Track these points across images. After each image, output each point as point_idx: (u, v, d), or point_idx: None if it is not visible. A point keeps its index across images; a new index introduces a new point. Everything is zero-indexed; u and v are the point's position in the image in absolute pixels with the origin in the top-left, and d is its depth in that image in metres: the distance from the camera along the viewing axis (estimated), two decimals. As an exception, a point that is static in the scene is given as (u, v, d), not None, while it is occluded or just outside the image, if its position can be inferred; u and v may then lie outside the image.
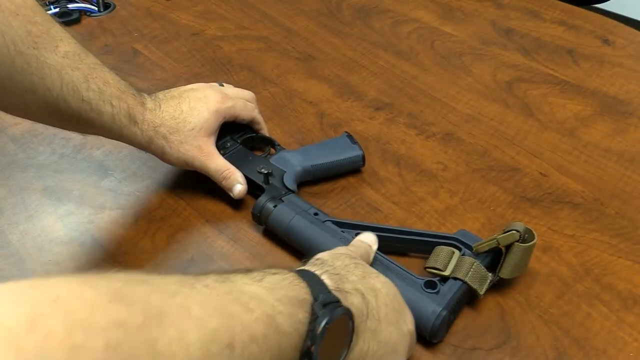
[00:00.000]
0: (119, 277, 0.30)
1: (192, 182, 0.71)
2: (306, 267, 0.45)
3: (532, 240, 0.55)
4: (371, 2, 1.06)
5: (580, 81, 0.87)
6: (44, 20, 0.54)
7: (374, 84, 0.87)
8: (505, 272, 0.56)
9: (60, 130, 0.79)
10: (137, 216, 0.68)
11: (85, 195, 0.70)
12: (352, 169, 0.71)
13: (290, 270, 0.42)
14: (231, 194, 0.66)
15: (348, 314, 0.40)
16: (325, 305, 0.38)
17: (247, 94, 0.74)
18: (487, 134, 0.78)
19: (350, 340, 0.41)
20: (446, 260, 0.56)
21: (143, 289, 0.30)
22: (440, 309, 0.52)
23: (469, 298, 0.56)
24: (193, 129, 0.63)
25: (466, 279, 0.54)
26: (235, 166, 0.68)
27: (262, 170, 0.66)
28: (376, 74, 0.89)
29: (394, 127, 0.79)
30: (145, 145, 0.63)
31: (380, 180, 0.71)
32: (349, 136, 0.71)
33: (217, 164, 0.65)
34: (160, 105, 0.63)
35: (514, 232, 0.55)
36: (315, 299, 0.39)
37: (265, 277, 0.38)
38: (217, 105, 0.65)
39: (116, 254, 0.64)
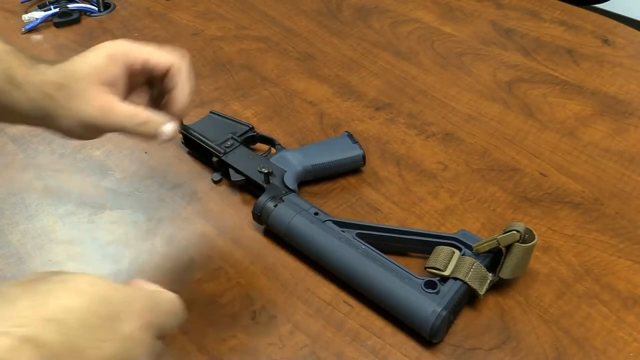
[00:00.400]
0: None
1: (192, 182, 0.72)
2: None
3: (532, 241, 0.56)
4: (371, 2, 1.06)
5: (580, 81, 0.87)
6: None
7: (374, 84, 0.87)
8: (505, 272, 0.56)
9: (60, 130, 0.79)
10: (137, 216, 0.68)
11: (85, 195, 0.70)
12: (352, 169, 0.71)
13: None
14: (159, 140, 0.52)
15: None
16: None
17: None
18: (487, 134, 0.78)
19: None
20: (446, 260, 0.56)
21: None
22: (440, 309, 0.52)
23: (469, 298, 0.56)
24: (83, 79, 0.49)
25: (466, 279, 0.54)
26: (236, 165, 0.68)
27: (263, 169, 0.66)
28: (376, 74, 0.89)
29: (394, 127, 0.79)
30: (31, 113, 0.50)
31: (380, 180, 0.71)
32: (350, 136, 0.71)
33: (124, 111, 0.50)
34: (52, 64, 0.51)
35: (514, 232, 0.55)
36: None
37: None
38: (113, 49, 0.51)
39: (116, 254, 0.64)
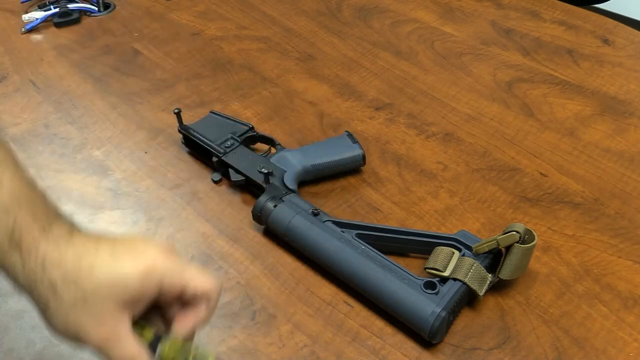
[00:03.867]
0: None
1: (192, 182, 0.72)
2: None
3: (532, 241, 0.56)
4: (371, 2, 1.06)
5: (580, 81, 0.87)
6: None
7: (374, 84, 0.87)
8: (505, 273, 0.56)
9: (61, 130, 0.79)
10: (137, 216, 0.68)
11: (85, 195, 0.70)
12: (352, 169, 0.71)
13: None
14: None
15: None
16: None
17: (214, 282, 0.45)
18: (487, 134, 0.78)
19: None
20: (446, 261, 0.56)
21: None
22: (440, 309, 0.52)
23: (468, 299, 0.56)
24: (101, 288, 0.40)
25: (466, 280, 0.54)
26: (236, 165, 0.68)
27: (263, 169, 0.66)
28: (376, 74, 0.89)
29: (394, 127, 0.79)
30: (25, 288, 0.39)
31: (380, 180, 0.71)
32: (350, 135, 0.71)
33: (129, 349, 0.41)
34: (72, 235, 0.41)
35: (514, 233, 0.55)
36: None
37: None
38: (154, 265, 0.41)
39: (116, 254, 0.64)
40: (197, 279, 0.43)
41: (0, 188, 0.39)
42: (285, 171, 0.67)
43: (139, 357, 0.41)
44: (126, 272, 0.40)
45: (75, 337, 0.40)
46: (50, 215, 0.41)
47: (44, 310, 0.40)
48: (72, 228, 0.41)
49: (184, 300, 0.44)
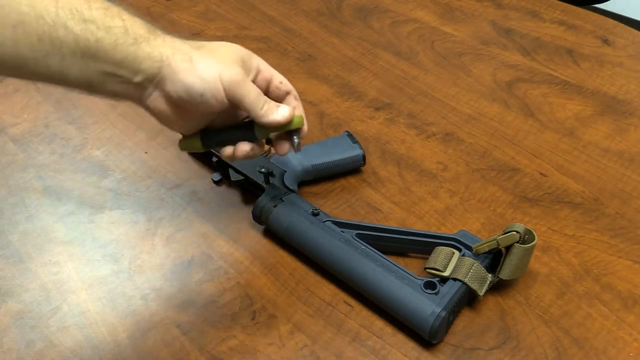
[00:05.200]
0: None
1: (192, 182, 0.72)
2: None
3: (532, 242, 0.56)
4: (371, 2, 1.06)
5: (580, 81, 0.87)
6: None
7: (374, 84, 0.87)
8: (505, 273, 0.56)
9: (61, 130, 0.79)
10: (137, 216, 0.68)
11: (85, 195, 0.70)
12: (352, 169, 0.71)
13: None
14: (276, 118, 0.55)
15: None
16: None
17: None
18: (487, 134, 0.78)
19: None
20: (446, 261, 0.56)
21: None
22: (440, 309, 0.52)
23: (468, 299, 0.56)
24: (223, 46, 0.55)
25: (466, 280, 0.54)
26: (236, 165, 0.68)
27: (263, 169, 0.66)
28: (376, 74, 0.89)
29: (394, 127, 0.79)
30: (168, 54, 0.51)
31: (380, 180, 0.71)
32: (350, 135, 0.71)
33: (255, 87, 0.53)
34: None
35: (514, 233, 0.55)
36: None
37: None
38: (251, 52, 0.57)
39: (116, 254, 0.64)
40: (281, 76, 0.57)
41: (117, 6, 0.52)
42: (285, 171, 0.67)
43: (261, 93, 0.54)
44: (239, 47, 0.55)
45: (220, 70, 0.51)
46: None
47: (190, 62, 0.51)
48: None
49: (269, 92, 0.57)
